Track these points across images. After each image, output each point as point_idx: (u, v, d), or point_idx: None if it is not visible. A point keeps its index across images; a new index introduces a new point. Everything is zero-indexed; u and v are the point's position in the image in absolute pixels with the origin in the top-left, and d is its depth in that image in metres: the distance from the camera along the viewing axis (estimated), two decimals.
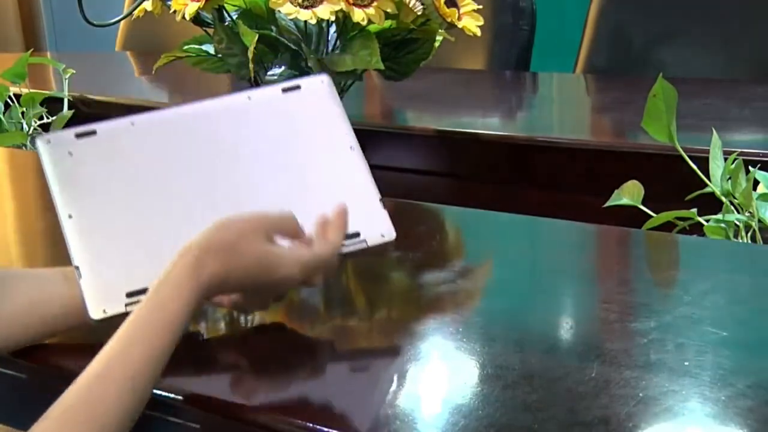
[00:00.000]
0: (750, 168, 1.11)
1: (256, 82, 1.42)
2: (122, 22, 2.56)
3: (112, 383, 0.68)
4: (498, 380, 0.75)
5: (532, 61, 2.28)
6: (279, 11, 1.37)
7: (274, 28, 1.42)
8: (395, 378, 0.78)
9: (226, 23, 1.43)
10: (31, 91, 1.71)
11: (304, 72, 1.41)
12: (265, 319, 0.86)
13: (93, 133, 0.83)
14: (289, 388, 0.76)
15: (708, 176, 1.12)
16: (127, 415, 0.68)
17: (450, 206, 1.25)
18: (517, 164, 1.52)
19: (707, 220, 1.10)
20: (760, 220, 1.08)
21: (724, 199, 1.11)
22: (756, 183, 1.10)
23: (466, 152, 1.56)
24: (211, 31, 1.47)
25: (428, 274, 1.02)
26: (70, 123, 1.63)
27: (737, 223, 1.08)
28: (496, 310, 0.93)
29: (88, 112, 1.85)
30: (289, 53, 1.42)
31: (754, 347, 0.81)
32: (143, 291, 0.77)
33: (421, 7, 1.40)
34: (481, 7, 1.45)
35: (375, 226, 0.85)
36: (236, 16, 1.42)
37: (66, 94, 1.75)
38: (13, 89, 1.70)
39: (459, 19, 1.42)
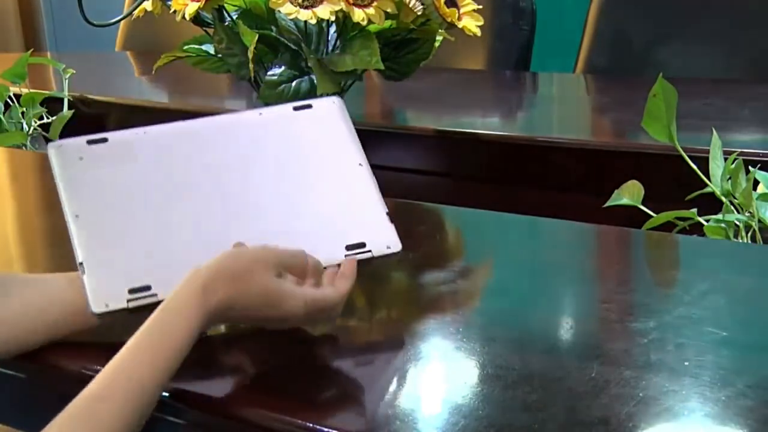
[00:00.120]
0: (750, 168, 1.11)
1: (256, 82, 1.42)
2: (122, 22, 2.56)
3: (113, 403, 0.68)
4: (498, 380, 0.75)
5: (532, 61, 2.28)
6: (279, 11, 1.37)
7: (274, 28, 1.42)
8: (395, 378, 0.78)
9: (226, 23, 1.43)
10: (31, 91, 1.71)
11: (304, 72, 1.41)
12: None
13: (104, 140, 0.84)
14: (288, 387, 0.76)
15: (708, 176, 1.12)
16: (124, 428, 0.68)
17: (450, 206, 1.24)
18: (517, 164, 1.52)
19: (707, 220, 1.10)
20: (760, 220, 1.07)
21: (724, 199, 1.11)
22: (756, 183, 1.10)
23: (466, 152, 1.56)
24: (211, 31, 1.47)
25: (428, 274, 1.02)
26: (70, 123, 1.63)
27: (737, 223, 1.08)
28: (496, 310, 0.93)
29: (88, 112, 1.85)
30: (289, 53, 1.42)
31: (754, 347, 0.81)
32: (146, 288, 0.78)
33: (421, 7, 1.40)
34: (481, 7, 1.45)
35: (381, 237, 0.86)
36: (236, 16, 1.43)
37: (66, 94, 1.75)
38: (13, 89, 1.70)
39: (459, 19, 1.42)
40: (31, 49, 2.02)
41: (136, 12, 1.49)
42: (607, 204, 1.15)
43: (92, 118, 1.87)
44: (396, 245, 0.87)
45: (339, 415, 0.73)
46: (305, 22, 1.36)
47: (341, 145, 0.90)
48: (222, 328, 0.87)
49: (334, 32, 1.43)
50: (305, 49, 1.40)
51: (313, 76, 1.39)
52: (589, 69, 2.17)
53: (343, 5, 1.34)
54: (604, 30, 2.18)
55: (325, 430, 0.70)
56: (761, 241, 1.08)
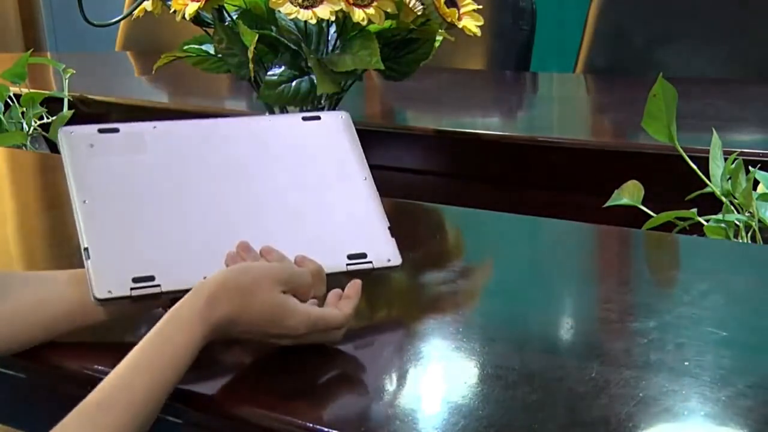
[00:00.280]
0: (750, 168, 1.11)
1: (256, 82, 1.42)
2: (122, 22, 2.56)
3: (113, 412, 0.68)
4: (498, 380, 0.75)
5: (532, 61, 2.28)
6: (279, 11, 1.37)
7: (274, 28, 1.41)
8: (395, 378, 0.78)
9: (226, 23, 1.43)
10: (31, 91, 1.71)
11: (304, 72, 1.41)
12: None
13: (115, 130, 0.85)
14: (288, 388, 0.76)
15: (708, 176, 1.12)
16: None
17: (450, 206, 1.25)
18: (517, 164, 1.52)
19: (707, 220, 1.10)
20: (760, 220, 1.07)
21: (724, 199, 1.11)
22: (756, 183, 1.10)
23: (466, 152, 1.56)
24: (211, 31, 1.47)
25: (428, 274, 1.02)
26: (70, 123, 1.63)
27: (737, 223, 1.08)
28: (496, 310, 0.93)
29: (88, 112, 1.85)
30: (289, 53, 1.42)
31: (754, 347, 0.81)
32: (149, 278, 0.79)
33: (421, 7, 1.40)
34: (481, 7, 1.45)
35: (382, 249, 0.88)
36: (236, 16, 1.42)
37: (66, 94, 1.75)
38: (13, 89, 1.70)
39: (459, 19, 1.42)
40: (31, 49, 2.02)
41: (136, 12, 1.49)
42: (607, 204, 1.15)
43: (92, 118, 1.87)
44: (396, 259, 0.88)
45: (339, 415, 0.73)
46: (305, 22, 1.35)
47: (347, 158, 0.91)
48: None
49: (334, 32, 1.43)
50: (305, 49, 1.40)
51: (313, 76, 1.39)
52: (589, 69, 2.17)
53: (343, 5, 1.34)
54: (604, 30, 2.18)
55: (325, 430, 0.70)
56: (761, 241, 1.08)
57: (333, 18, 1.35)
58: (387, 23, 1.40)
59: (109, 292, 0.78)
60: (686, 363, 0.76)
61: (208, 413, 0.75)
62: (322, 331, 0.79)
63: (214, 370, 0.79)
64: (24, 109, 1.68)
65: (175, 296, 0.76)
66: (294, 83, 1.41)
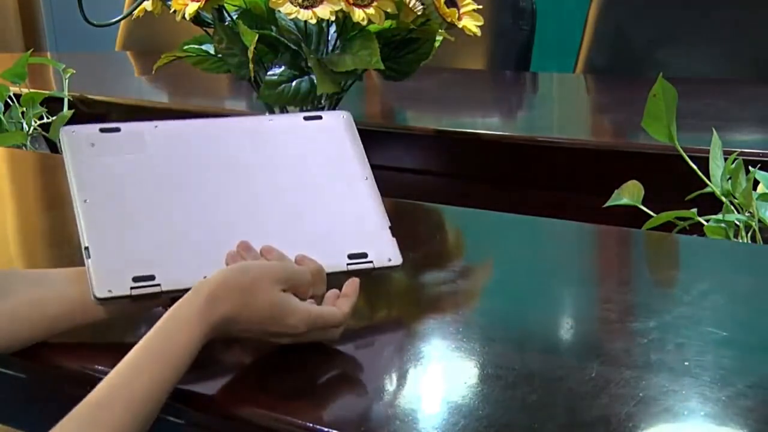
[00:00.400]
0: (750, 168, 1.11)
1: (256, 82, 1.42)
2: (122, 22, 2.56)
3: (113, 412, 0.68)
4: (498, 380, 0.75)
5: (532, 61, 2.28)
6: (279, 11, 1.37)
7: (274, 28, 1.41)
8: (395, 378, 0.78)
9: (226, 23, 1.43)
10: (31, 91, 1.71)
11: (304, 72, 1.41)
12: None
13: (117, 130, 0.85)
14: (288, 387, 0.76)
15: (708, 176, 1.12)
16: None
17: (450, 206, 1.25)
18: (517, 164, 1.52)
19: (707, 220, 1.10)
20: (760, 220, 1.07)
21: (724, 199, 1.11)
22: (756, 183, 1.10)
23: (466, 152, 1.56)
24: (211, 31, 1.47)
25: (428, 274, 1.02)
26: (70, 123, 1.63)
27: (737, 223, 1.08)
28: (496, 310, 0.93)
29: (88, 112, 1.85)
30: (289, 53, 1.42)
31: (754, 347, 0.81)
32: (150, 278, 0.79)
33: (421, 7, 1.40)
34: (481, 7, 1.45)
35: (383, 249, 0.88)
36: (236, 16, 1.42)
37: (66, 94, 1.75)
38: (13, 89, 1.70)
39: (459, 19, 1.42)
40: (31, 49, 2.01)
41: (136, 12, 1.49)
42: (607, 204, 1.15)
43: (92, 118, 1.87)
44: (397, 259, 0.88)
45: (339, 415, 0.73)
46: (305, 22, 1.35)
47: (349, 158, 0.91)
48: None
49: (334, 32, 1.43)
50: (305, 49, 1.40)
51: (313, 76, 1.39)
52: (589, 69, 2.17)
53: (343, 5, 1.34)
54: (604, 30, 2.18)
55: (325, 430, 0.70)
56: (761, 241, 1.08)
57: (333, 18, 1.35)
58: (387, 23, 1.40)
59: (109, 291, 0.78)
60: (686, 363, 0.75)
61: (209, 413, 0.75)
62: (321, 329, 0.79)
63: (214, 370, 0.79)
64: (24, 109, 1.68)
65: (175, 295, 0.76)
66: (294, 83, 1.41)
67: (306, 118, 0.92)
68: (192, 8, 1.39)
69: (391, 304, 0.95)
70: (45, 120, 1.68)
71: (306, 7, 1.34)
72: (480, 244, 1.14)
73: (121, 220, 0.82)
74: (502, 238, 1.14)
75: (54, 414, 0.67)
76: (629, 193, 1.15)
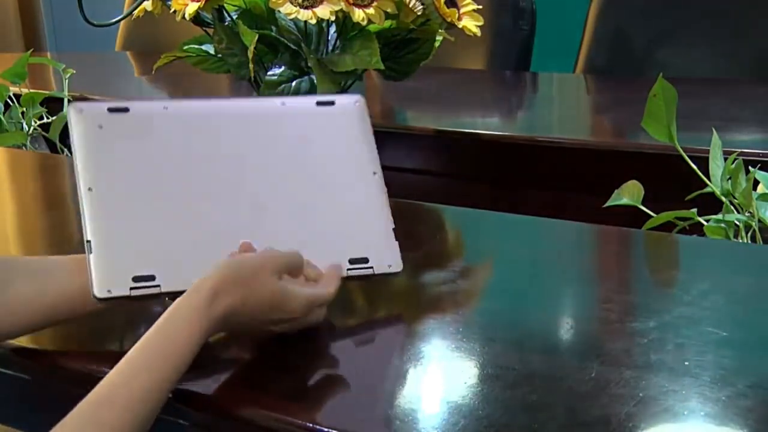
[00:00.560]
0: (750, 168, 1.11)
1: (256, 82, 1.42)
2: (122, 22, 2.56)
3: (114, 411, 0.68)
4: (498, 380, 0.75)
5: (532, 61, 2.28)
6: (279, 11, 1.37)
7: (274, 28, 1.42)
8: (395, 378, 0.78)
9: (226, 23, 1.43)
10: (31, 91, 1.71)
11: (304, 72, 1.41)
12: None
13: (126, 110, 0.84)
14: (288, 387, 0.76)
15: (708, 176, 1.12)
16: None
17: (450, 206, 1.25)
18: (517, 164, 1.52)
19: (707, 220, 1.10)
20: (760, 220, 1.07)
21: (724, 199, 1.10)
22: (756, 183, 1.10)
23: (466, 152, 1.56)
24: (211, 31, 1.47)
25: (428, 274, 1.02)
26: None
27: (737, 223, 1.08)
28: (496, 310, 0.93)
29: None
30: (289, 53, 1.42)
31: (754, 347, 0.81)
32: (150, 278, 0.79)
33: (421, 7, 1.40)
34: (481, 7, 1.45)
35: (384, 255, 0.87)
36: (236, 16, 1.43)
37: (66, 94, 1.75)
38: (13, 89, 1.70)
39: (459, 19, 1.42)
40: (31, 49, 2.02)
41: (136, 12, 1.49)
42: (607, 204, 1.15)
43: None
44: (398, 266, 0.88)
45: (339, 415, 0.73)
46: (305, 22, 1.36)
47: (358, 149, 0.90)
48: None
49: (334, 32, 1.43)
50: (305, 49, 1.40)
51: (313, 76, 1.39)
52: (589, 69, 2.17)
53: (343, 5, 1.34)
54: (604, 30, 2.18)
55: (325, 430, 0.70)
56: (761, 241, 1.08)
57: (333, 18, 1.35)
58: (387, 23, 1.40)
59: (109, 291, 0.78)
60: (686, 363, 0.75)
61: (209, 413, 0.75)
62: (319, 307, 0.81)
63: (214, 370, 0.79)
64: (24, 109, 1.68)
65: (174, 296, 0.76)
66: (294, 83, 1.41)
67: (319, 103, 0.90)
68: (192, 8, 1.39)
69: (391, 304, 0.95)
70: (45, 120, 1.68)
71: (306, 7, 1.34)
72: (480, 244, 1.14)
73: (125, 213, 0.81)
74: (502, 238, 1.14)
75: (55, 414, 0.68)
76: (629, 193, 1.15)
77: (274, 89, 1.39)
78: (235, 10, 1.43)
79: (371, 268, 0.87)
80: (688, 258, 1.07)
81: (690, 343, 0.80)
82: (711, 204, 1.12)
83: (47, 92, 1.78)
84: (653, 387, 0.72)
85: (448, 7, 1.39)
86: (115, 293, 0.78)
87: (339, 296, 0.93)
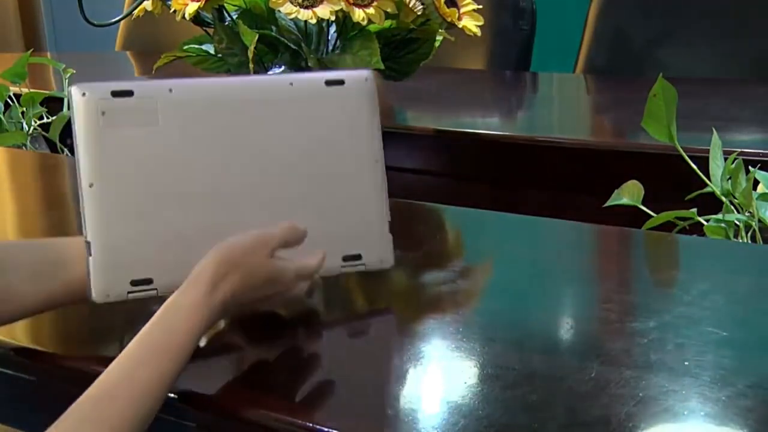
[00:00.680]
0: (750, 168, 1.11)
1: None
2: (122, 22, 2.56)
3: (115, 406, 0.68)
4: (498, 380, 0.75)
5: (532, 61, 2.27)
6: (279, 11, 1.37)
7: (274, 27, 1.42)
8: (395, 378, 0.78)
9: (226, 23, 1.43)
10: (31, 91, 1.71)
11: (304, 72, 1.41)
12: (265, 320, 0.86)
13: (130, 93, 0.81)
14: (288, 388, 0.76)
15: (708, 176, 1.12)
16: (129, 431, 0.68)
17: (450, 206, 1.25)
18: (517, 164, 1.52)
19: (707, 220, 1.10)
20: (760, 220, 1.07)
21: (724, 199, 1.10)
22: (756, 183, 1.10)
23: (466, 152, 1.56)
24: (211, 31, 1.47)
25: (428, 274, 1.02)
26: (69, 123, 1.62)
27: (737, 223, 1.08)
28: (496, 310, 0.93)
29: None
30: (289, 53, 1.42)
31: (754, 347, 0.81)
32: (147, 281, 0.79)
33: (421, 7, 1.40)
34: (481, 7, 1.45)
35: (377, 250, 0.87)
36: (236, 16, 1.42)
37: (66, 94, 1.75)
38: (13, 89, 1.70)
39: (459, 19, 1.42)
40: (31, 49, 2.01)
41: (136, 12, 1.49)
42: (607, 204, 1.15)
43: None
44: (389, 261, 0.88)
45: (339, 415, 0.73)
46: (305, 21, 1.36)
47: (363, 134, 0.88)
48: (221, 327, 0.87)
49: (334, 32, 1.43)
50: (305, 49, 1.40)
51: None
52: (589, 69, 2.17)
53: (343, 5, 1.34)
54: (604, 30, 2.18)
55: (325, 430, 0.70)
56: (761, 241, 1.08)
57: (333, 18, 1.35)
58: (387, 23, 1.40)
59: (107, 296, 0.78)
60: (686, 363, 0.75)
61: (209, 413, 0.75)
62: (302, 282, 0.81)
63: (215, 370, 0.79)
64: (24, 109, 1.67)
65: None
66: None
67: (328, 83, 0.87)
68: (192, 8, 1.39)
69: (391, 304, 0.95)
70: (45, 120, 1.68)
71: (306, 7, 1.34)
72: (480, 244, 1.14)
73: (125, 212, 0.80)
74: (502, 238, 1.14)
75: (55, 414, 0.67)
76: (629, 193, 1.15)
77: None
78: (235, 10, 1.43)
79: (363, 264, 0.87)
80: (688, 258, 1.07)
81: (690, 343, 0.80)
82: (711, 204, 1.12)
83: (47, 92, 1.77)
84: (653, 387, 0.72)
85: (448, 7, 1.39)
86: (113, 298, 0.78)
87: (338, 295, 0.93)
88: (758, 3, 2.06)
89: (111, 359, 0.71)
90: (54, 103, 1.74)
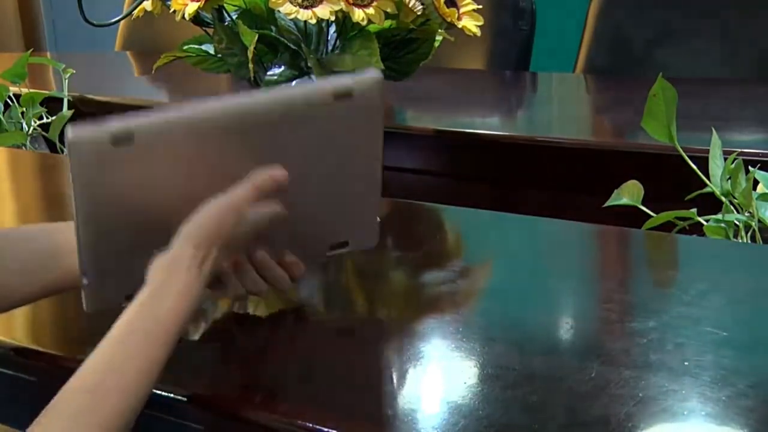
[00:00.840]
0: (750, 168, 1.11)
1: (256, 82, 1.42)
2: (122, 22, 2.56)
3: (109, 400, 0.68)
4: (498, 380, 0.75)
5: (532, 61, 2.27)
6: (279, 11, 1.37)
7: (273, 28, 1.42)
8: (395, 378, 0.78)
9: (226, 23, 1.43)
10: (31, 91, 1.71)
11: (304, 72, 1.41)
12: (265, 318, 0.86)
13: (130, 141, 0.75)
14: (289, 388, 0.76)
15: (708, 176, 1.12)
16: (121, 423, 0.68)
17: (450, 206, 1.25)
18: (517, 164, 1.52)
19: (707, 220, 1.10)
20: (760, 220, 1.07)
21: (724, 199, 1.10)
22: (756, 183, 1.10)
23: (466, 152, 1.56)
24: (211, 31, 1.47)
25: (428, 274, 1.02)
26: (69, 123, 1.62)
27: (737, 223, 1.08)
28: (496, 310, 0.93)
29: (87, 112, 1.85)
30: (289, 53, 1.42)
31: (754, 347, 0.81)
32: None
33: (421, 7, 1.40)
34: (481, 7, 1.45)
35: (362, 235, 0.87)
36: (236, 16, 1.42)
37: (66, 94, 1.75)
38: (13, 89, 1.70)
39: (459, 19, 1.42)
40: (31, 49, 2.01)
41: (136, 12, 1.49)
42: (607, 204, 1.15)
43: (92, 118, 1.87)
44: (372, 242, 0.87)
45: (339, 415, 0.73)
46: (305, 22, 1.36)
47: (368, 139, 0.86)
48: (222, 327, 0.87)
49: (334, 32, 1.43)
50: (305, 49, 1.40)
51: (313, 76, 1.39)
52: (589, 69, 2.17)
53: (343, 5, 1.34)
54: (604, 30, 2.18)
55: (325, 430, 0.70)
56: (761, 241, 1.08)
57: (333, 18, 1.35)
58: (387, 23, 1.40)
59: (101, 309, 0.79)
60: (686, 363, 0.76)
61: (209, 413, 0.75)
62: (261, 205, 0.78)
63: (215, 370, 0.79)
64: (24, 109, 1.68)
65: None
66: (294, 83, 1.41)
67: (337, 98, 0.82)
68: (192, 8, 1.39)
69: (391, 304, 0.95)
70: (45, 120, 1.68)
71: (306, 7, 1.34)
72: (480, 244, 1.14)
73: (122, 245, 0.78)
74: (502, 238, 1.14)
75: None
76: (629, 193, 1.15)
77: None
78: (235, 10, 1.43)
79: (347, 244, 0.87)
80: (688, 258, 1.07)
81: (690, 343, 0.80)
82: (711, 204, 1.12)
83: (47, 92, 1.78)
84: (653, 387, 0.72)
85: (447, 7, 1.39)
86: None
87: (338, 295, 0.94)
88: (758, 3, 2.06)
89: None
90: (54, 103, 1.74)
